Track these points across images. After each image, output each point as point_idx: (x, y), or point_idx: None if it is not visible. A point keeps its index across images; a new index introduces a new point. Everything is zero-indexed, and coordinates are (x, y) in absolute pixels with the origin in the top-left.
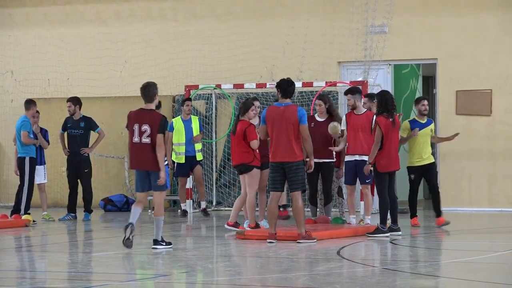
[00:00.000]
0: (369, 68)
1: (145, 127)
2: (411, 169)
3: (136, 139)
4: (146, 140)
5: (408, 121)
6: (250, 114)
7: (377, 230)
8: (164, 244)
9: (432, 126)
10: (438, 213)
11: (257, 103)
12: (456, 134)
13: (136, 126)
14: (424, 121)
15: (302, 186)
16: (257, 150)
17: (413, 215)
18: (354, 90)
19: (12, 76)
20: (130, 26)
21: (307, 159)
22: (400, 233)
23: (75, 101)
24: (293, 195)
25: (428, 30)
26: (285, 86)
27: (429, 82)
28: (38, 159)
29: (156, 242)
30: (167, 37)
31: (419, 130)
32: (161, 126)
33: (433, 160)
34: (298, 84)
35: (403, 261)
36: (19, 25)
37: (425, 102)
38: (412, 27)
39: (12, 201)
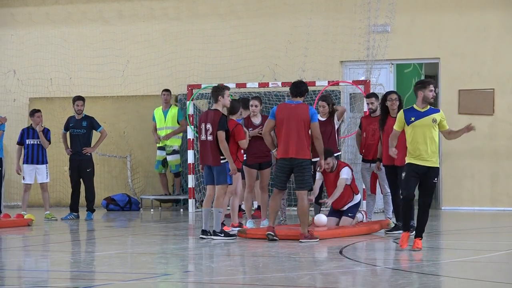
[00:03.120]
0: (372, 67)
1: (208, 125)
2: (405, 167)
3: (203, 137)
4: (209, 137)
5: (403, 110)
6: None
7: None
8: (215, 233)
9: (436, 115)
10: (417, 233)
11: (254, 102)
12: (470, 127)
13: (202, 126)
14: (424, 109)
15: (309, 185)
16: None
17: (416, 234)
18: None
19: (15, 76)
20: (133, 25)
21: (316, 159)
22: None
23: (84, 101)
24: (300, 194)
25: (431, 29)
26: (295, 86)
27: None
28: (40, 159)
29: (210, 231)
30: (170, 36)
31: (416, 119)
32: (221, 123)
33: (435, 165)
34: None
35: (406, 260)
36: (21, 24)
37: (432, 87)
38: (414, 26)
39: (14, 201)
